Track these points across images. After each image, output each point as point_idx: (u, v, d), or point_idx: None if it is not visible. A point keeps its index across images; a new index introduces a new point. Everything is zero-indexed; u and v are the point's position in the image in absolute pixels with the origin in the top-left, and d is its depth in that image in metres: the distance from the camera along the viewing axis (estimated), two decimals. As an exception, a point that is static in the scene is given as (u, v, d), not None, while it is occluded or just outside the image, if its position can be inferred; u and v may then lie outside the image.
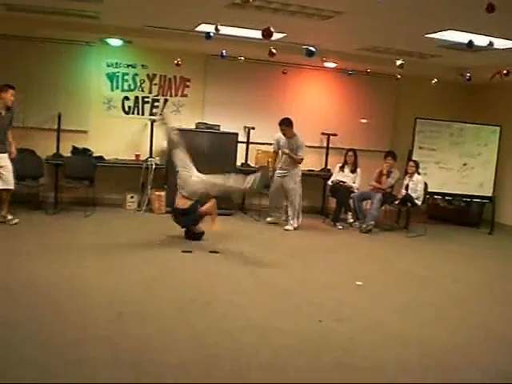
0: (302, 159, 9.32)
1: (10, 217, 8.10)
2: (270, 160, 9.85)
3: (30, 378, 3.57)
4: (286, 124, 9.14)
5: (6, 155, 8.01)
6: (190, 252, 7.16)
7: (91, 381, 3.60)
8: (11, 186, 8.05)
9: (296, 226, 9.33)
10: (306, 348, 4.44)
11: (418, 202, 9.69)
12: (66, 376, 3.65)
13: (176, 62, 9.36)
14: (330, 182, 10.25)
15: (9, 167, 8.01)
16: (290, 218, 9.38)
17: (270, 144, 9.79)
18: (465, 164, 10.91)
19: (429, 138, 10.90)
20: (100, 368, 3.79)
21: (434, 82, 9.63)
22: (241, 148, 10.40)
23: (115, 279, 5.86)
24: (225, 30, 7.07)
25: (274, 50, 6.85)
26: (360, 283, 6.36)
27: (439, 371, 4.24)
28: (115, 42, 9.46)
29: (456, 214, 11.23)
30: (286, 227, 9.30)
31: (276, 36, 6.49)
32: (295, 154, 9.19)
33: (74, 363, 3.82)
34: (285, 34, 8.12)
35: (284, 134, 9.21)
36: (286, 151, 9.17)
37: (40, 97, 9.52)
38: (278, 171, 9.43)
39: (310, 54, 6.74)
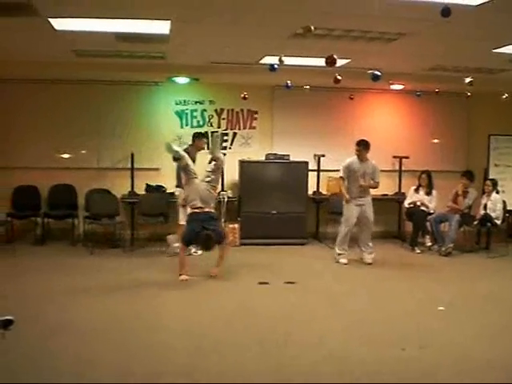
0: (378, 184, 8.95)
1: None
2: (341, 188, 8.95)
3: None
4: (363, 145, 8.62)
5: None
6: (267, 283, 7.16)
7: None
8: None
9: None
10: (389, 376, 4.32)
11: (498, 222, 9.40)
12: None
13: (243, 95, 9.39)
14: (405, 205, 10.07)
15: None
16: (368, 248, 8.76)
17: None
18: (543, 179, 10.55)
19: (504, 155, 10.63)
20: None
21: (504, 96, 9.37)
22: (312, 176, 10.38)
23: (194, 312, 5.92)
24: (289, 61, 7.10)
25: (339, 77, 6.80)
26: (442, 308, 6.17)
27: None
28: (182, 80, 9.72)
29: (538, 231, 10.77)
30: (369, 260, 8.70)
31: (340, 62, 6.47)
32: (372, 178, 8.72)
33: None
34: (349, 60, 8.10)
35: (358, 156, 8.68)
36: (363, 183, 8.60)
37: (113, 137, 9.86)
38: (355, 200, 8.67)
39: (376, 78, 6.65)
